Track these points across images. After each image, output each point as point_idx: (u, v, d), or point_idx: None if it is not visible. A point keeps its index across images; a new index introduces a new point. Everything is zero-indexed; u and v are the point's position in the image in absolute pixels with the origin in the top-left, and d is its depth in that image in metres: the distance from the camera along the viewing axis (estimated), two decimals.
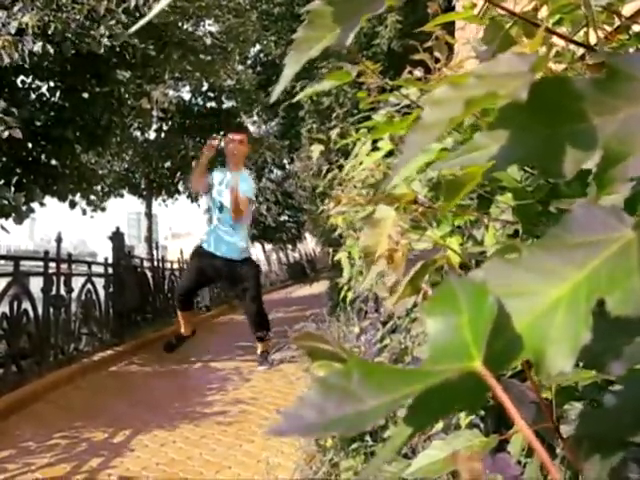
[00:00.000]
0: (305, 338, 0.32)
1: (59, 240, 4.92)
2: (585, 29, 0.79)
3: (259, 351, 5.10)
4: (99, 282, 5.68)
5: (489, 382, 0.25)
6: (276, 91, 0.41)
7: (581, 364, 0.57)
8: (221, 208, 5.12)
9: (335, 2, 0.38)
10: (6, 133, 4.70)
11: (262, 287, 6.08)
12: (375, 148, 1.61)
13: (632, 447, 0.40)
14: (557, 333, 0.27)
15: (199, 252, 5.28)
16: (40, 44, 4.93)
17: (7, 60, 4.76)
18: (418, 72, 1.08)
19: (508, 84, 0.29)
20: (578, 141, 0.30)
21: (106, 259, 6.00)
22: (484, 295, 0.27)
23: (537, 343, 0.27)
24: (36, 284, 4.56)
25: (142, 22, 0.62)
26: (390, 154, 1.55)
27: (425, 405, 0.26)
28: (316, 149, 1.96)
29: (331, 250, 4.57)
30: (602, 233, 0.29)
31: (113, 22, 5.23)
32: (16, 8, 5.10)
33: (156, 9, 0.55)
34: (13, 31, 4.91)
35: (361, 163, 1.67)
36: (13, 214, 5.27)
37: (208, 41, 7.29)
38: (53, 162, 6.00)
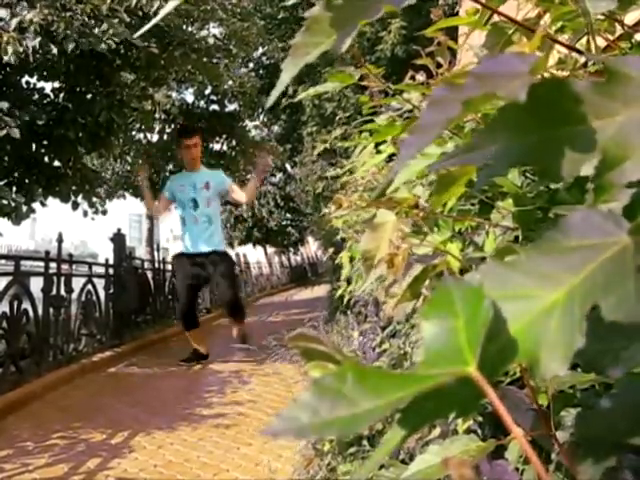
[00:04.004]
0: (300, 339, 0.32)
1: (60, 240, 4.92)
2: (587, 37, 0.79)
3: (235, 333, 5.46)
4: (99, 283, 5.68)
5: (483, 387, 0.25)
6: (273, 95, 0.41)
7: (579, 368, 0.57)
8: (196, 206, 5.25)
9: (333, 8, 0.38)
10: (3, 132, 4.72)
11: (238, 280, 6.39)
12: (378, 152, 1.61)
13: (628, 454, 0.40)
14: (552, 337, 0.26)
15: (181, 260, 5.40)
16: (38, 39, 4.95)
17: (11, 54, 4.77)
18: (420, 77, 1.08)
19: (507, 85, 0.29)
20: (576, 143, 0.29)
21: (107, 260, 6.00)
22: (480, 298, 0.27)
23: (531, 347, 0.27)
24: (36, 284, 4.56)
25: (147, 26, 0.62)
26: (392, 157, 1.55)
27: (419, 408, 0.26)
28: (320, 146, 2.01)
29: (331, 252, 4.57)
30: (598, 238, 0.29)
31: (115, 21, 5.25)
32: (19, 8, 5.13)
33: (162, 13, 0.55)
34: (13, 27, 4.93)
35: (363, 164, 1.68)
36: (13, 214, 5.28)
37: (211, 40, 7.30)
38: (55, 163, 6.02)
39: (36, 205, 5.98)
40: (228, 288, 5.27)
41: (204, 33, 7.70)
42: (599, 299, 0.26)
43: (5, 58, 4.80)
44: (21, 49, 4.85)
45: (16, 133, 4.76)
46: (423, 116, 0.30)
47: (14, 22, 4.95)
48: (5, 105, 4.98)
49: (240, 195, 5.38)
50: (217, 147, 12.19)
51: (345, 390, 0.25)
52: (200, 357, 5.32)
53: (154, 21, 0.55)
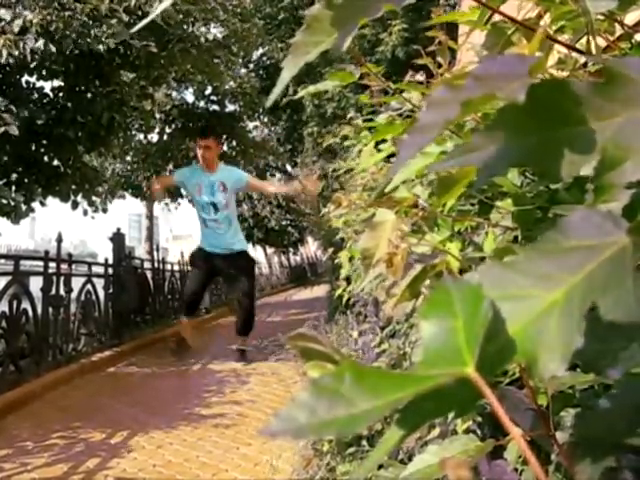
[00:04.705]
0: (298, 338, 0.32)
1: (59, 240, 4.92)
2: (587, 37, 0.79)
3: (238, 345, 5.35)
4: (99, 283, 5.67)
5: (481, 388, 0.25)
6: (273, 95, 0.41)
7: (579, 369, 0.57)
8: (216, 210, 5.27)
9: (334, 7, 0.38)
10: (2, 129, 4.71)
11: (256, 282, 6.36)
12: (378, 151, 1.61)
13: (628, 454, 0.40)
14: (551, 337, 0.26)
15: (200, 254, 5.39)
16: (42, 42, 4.95)
17: (7, 57, 4.77)
18: (420, 76, 1.08)
19: (506, 86, 0.29)
20: (575, 144, 0.29)
21: (106, 260, 5.99)
22: (479, 298, 0.27)
23: (530, 347, 0.27)
24: (36, 284, 4.56)
25: (143, 22, 0.62)
26: (392, 156, 1.54)
27: (417, 408, 0.26)
28: (328, 139, 2.03)
29: (331, 252, 4.57)
30: (598, 238, 0.29)
31: (114, 21, 5.25)
32: (19, 8, 5.13)
33: (157, 10, 0.55)
34: (17, 29, 4.93)
35: (363, 164, 1.68)
36: (13, 213, 5.28)
37: (210, 36, 7.29)
38: (55, 162, 6.01)
39: (35, 204, 5.98)
40: (244, 297, 5.32)
41: (204, 30, 7.68)
42: (598, 299, 0.26)
43: (1, 60, 4.80)
44: (17, 52, 4.85)
45: (15, 130, 4.75)
46: (422, 116, 0.30)
47: (16, 24, 4.95)
48: (3, 103, 4.97)
49: (265, 185, 5.69)
50: None
51: (343, 390, 0.25)
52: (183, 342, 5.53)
53: (151, 17, 0.55)
